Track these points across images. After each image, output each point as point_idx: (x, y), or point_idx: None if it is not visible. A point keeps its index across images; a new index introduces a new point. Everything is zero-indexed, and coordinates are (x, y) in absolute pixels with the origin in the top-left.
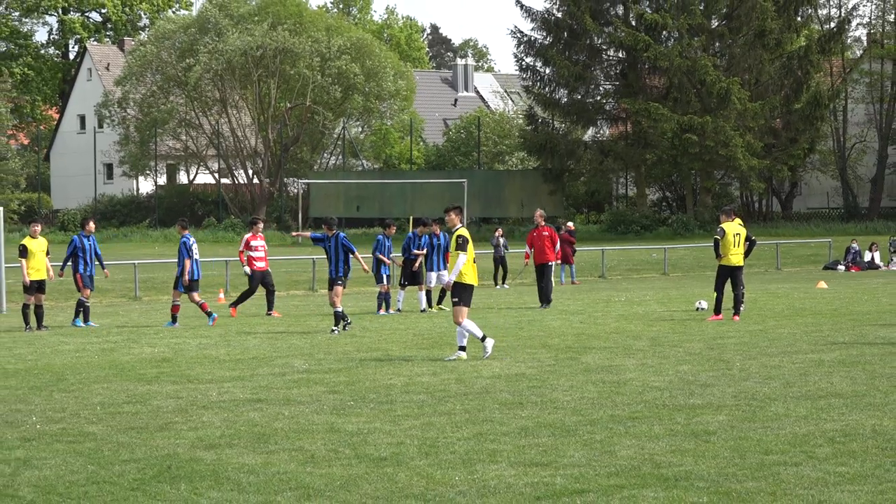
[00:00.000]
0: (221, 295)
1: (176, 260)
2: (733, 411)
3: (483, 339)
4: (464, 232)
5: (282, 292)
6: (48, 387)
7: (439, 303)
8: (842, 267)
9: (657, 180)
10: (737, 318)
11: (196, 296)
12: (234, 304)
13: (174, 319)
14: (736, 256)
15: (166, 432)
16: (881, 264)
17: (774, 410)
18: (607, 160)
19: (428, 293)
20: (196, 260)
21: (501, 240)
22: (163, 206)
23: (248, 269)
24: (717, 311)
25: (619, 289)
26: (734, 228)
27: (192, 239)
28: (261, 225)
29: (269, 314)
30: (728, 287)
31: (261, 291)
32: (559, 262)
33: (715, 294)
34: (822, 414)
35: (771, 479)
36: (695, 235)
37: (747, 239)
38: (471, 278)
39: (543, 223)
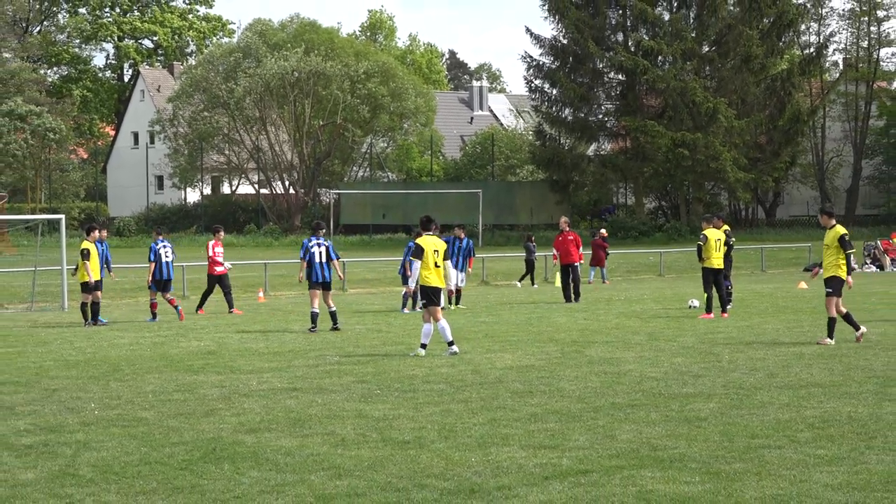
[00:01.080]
0: (261, 294)
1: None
2: (722, 399)
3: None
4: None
5: None
6: (105, 377)
7: (457, 302)
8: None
9: (653, 191)
10: (725, 315)
11: (168, 294)
12: (200, 306)
13: (154, 315)
14: (717, 259)
15: (211, 418)
16: (856, 266)
17: (759, 398)
18: (608, 172)
19: (448, 293)
20: (167, 263)
21: (532, 245)
22: (208, 214)
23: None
24: (709, 309)
25: (619, 289)
26: (716, 234)
27: (160, 245)
28: (222, 233)
29: (231, 312)
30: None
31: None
32: (588, 263)
33: (705, 294)
34: (803, 402)
35: (756, 461)
36: (687, 240)
37: (726, 243)
38: (435, 281)
39: (567, 228)
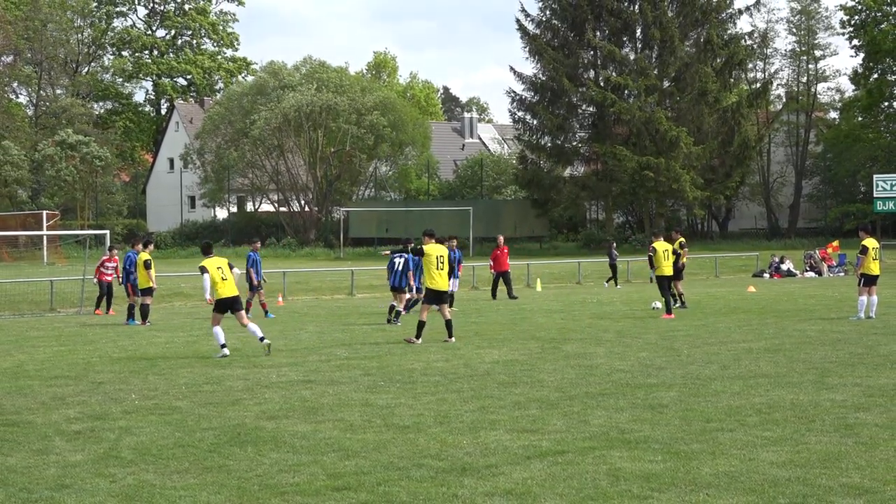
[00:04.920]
0: (280, 298)
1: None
2: (681, 388)
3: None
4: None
5: (326, 296)
6: (144, 371)
7: (450, 305)
8: (766, 275)
9: (621, 207)
10: (672, 315)
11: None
12: (100, 308)
13: (132, 317)
14: (668, 267)
15: (236, 406)
16: (797, 272)
17: (714, 388)
18: (581, 192)
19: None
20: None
21: (614, 251)
22: (234, 229)
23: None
24: (668, 311)
25: (591, 293)
26: (664, 246)
27: (137, 256)
28: (115, 251)
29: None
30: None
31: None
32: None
33: (664, 298)
34: (752, 390)
35: (711, 442)
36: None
37: (674, 252)
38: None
39: (503, 244)
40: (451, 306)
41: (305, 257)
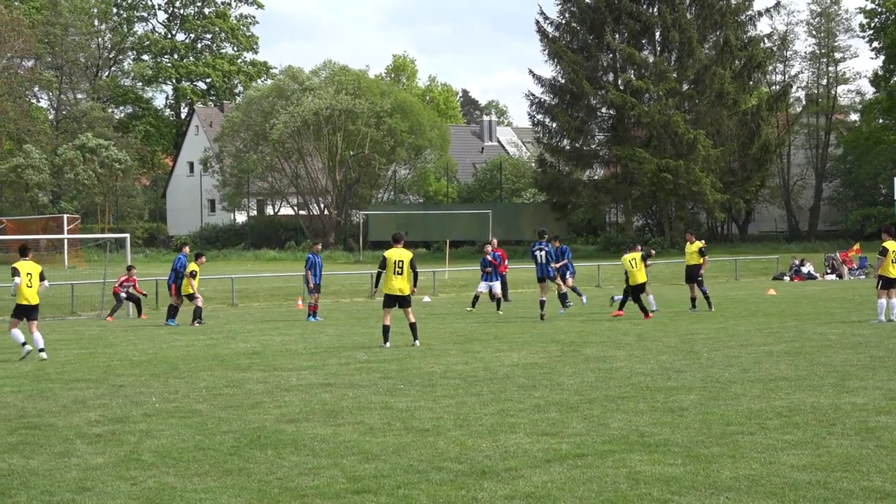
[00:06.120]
0: (300, 301)
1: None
2: (701, 392)
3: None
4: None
5: (346, 299)
6: (164, 374)
7: (498, 308)
8: (787, 278)
9: (640, 211)
10: (649, 317)
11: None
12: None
13: (172, 317)
14: (640, 275)
15: (256, 409)
16: (817, 275)
17: (734, 391)
18: (601, 195)
19: (476, 297)
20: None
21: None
22: (254, 232)
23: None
24: (621, 308)
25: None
26: (630, 256)
27: (186, 258)
28: (134, 271)
29: (140, 316)
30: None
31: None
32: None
33: (622, 297)
34: (772, 393)
35: (731, 445)
36: (670, 254)
37: (643, 259)
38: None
39: (496, 246)
40: (498, 309)
41: (325, 260)
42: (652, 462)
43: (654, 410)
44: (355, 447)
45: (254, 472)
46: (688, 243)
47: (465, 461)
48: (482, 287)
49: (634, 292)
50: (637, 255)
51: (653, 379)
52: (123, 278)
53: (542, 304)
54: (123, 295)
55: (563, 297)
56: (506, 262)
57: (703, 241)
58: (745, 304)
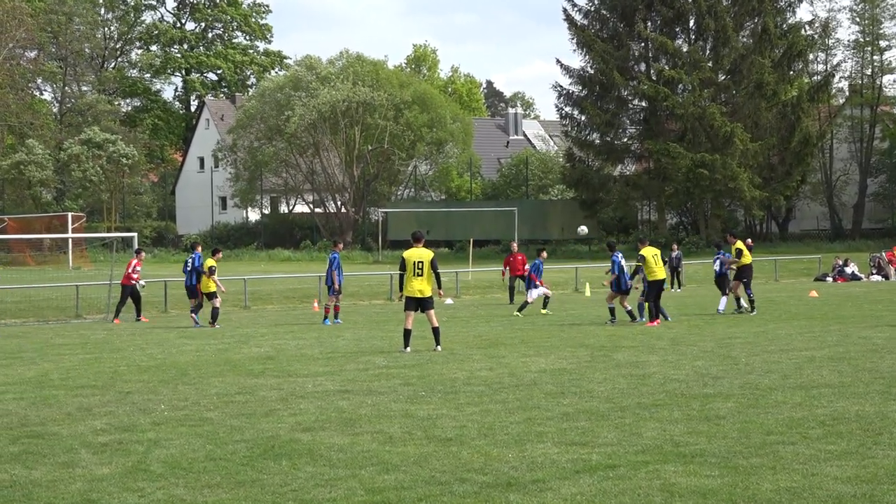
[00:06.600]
0: (315, 304)
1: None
2: (740, 399)
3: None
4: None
5: (364, 301)
6: (174, 380)
7: (544, 307)
8: (829, 279)
9: (674, 208)
10: (658, 322)
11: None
12: (116, 315)
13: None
14: (660, 272)
15: (270, 418)
16: (862, 276)
17: (774, 398)
18: (632, 191)
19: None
20: (187, 272)
21: (675, 253)
22: (267, 231)
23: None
24: (653, 317)
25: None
26: (652, 251)
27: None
28: (143, 254)
29: (139, 319)
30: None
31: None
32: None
33: (652, 307)
34: (814, 401)
35: (772, 456)
36: (705, 253)
37: (663, 256)
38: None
39: (516, 249)
40: (544, 307)
41: (342, 261)
42: (687, 474)
43: (689, 419)
44: (374, 457)
45: (267, 483)
46: (740, 242)
47: (490, 472)
48: (543, 290)
49: (652, 291)
50: (658, 251)
51: (688, 385)
52: (135, 262)
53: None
54: (136, 285)
55: (629, 313)
56: (527, 265)
57: (745, 240)
58: (785, 306)
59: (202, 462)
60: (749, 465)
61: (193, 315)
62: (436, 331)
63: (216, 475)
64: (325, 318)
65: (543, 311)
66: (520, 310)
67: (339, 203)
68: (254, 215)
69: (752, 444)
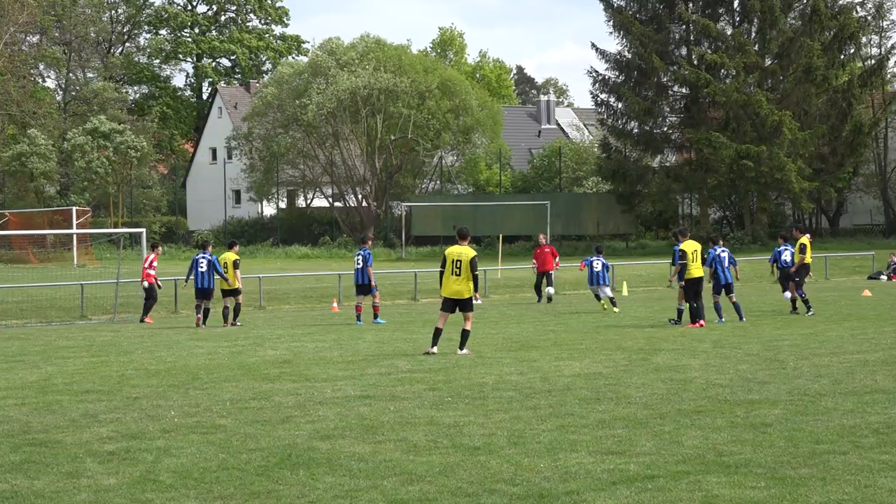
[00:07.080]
0: (335, 304)
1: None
2: (787, 406)
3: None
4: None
5: (387, 301)
6: (184, 385)
7: (614, 305)
8: (884, 277)
9: (717, 201)
10: (702, 323)
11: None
12: (145, 315)
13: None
14: (697, 270)
15: (287, 425)
16: None
17: (824, 405)
18: (673, 184)
19: (598, 297)
20: (200, 272)
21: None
22: (284, 226)
23: (146, 283)
24: (694, 319)
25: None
26: (692, 246)
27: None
28: (159, 249)
29: (143, 321)
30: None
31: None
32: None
33: (688, 304)
34: (867, 408)
35: (822, 466)
36: (751, 250)
37: (702, 253)
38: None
39: (545, 242)
40: (614, 306)
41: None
42: (731, 485)
43: (733, 427)
44: (397, 467)
45: (284, 494)
46: (806, 238)
47: (521, 483)
48: (605, 291)
49: (690, 290)
50: (699, 246)
51: (732, 391)
52: (151, 257)
53: (681, 312)
54: (155, 284)
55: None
56: (557, 258)
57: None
58: (836, 306)
59: (214, 472)
60: (797, 476)
61: (200, 316)
62: (465, 333)
63: (229, 486)
64: (376, 316)
65: (615, 310)
66: (612, 304)
67: (359, 196)
68: (269, 209)
69: (801, 453)
